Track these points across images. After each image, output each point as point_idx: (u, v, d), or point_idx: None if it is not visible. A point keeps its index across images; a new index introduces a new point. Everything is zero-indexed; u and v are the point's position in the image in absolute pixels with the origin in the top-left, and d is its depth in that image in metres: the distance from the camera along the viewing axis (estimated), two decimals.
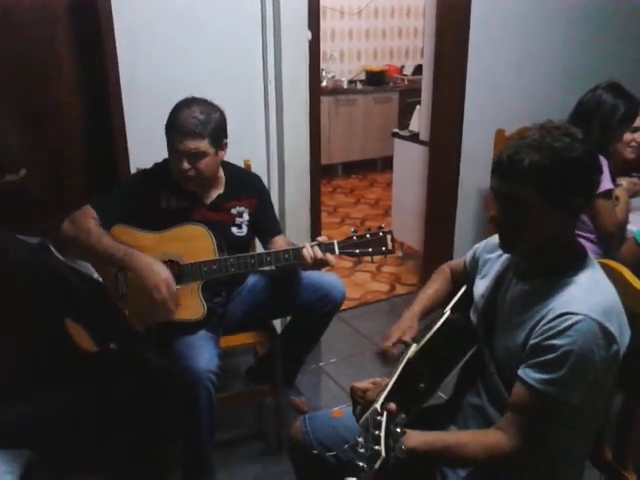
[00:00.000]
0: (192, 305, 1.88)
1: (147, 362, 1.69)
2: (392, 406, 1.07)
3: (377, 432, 1.01)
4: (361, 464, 0.98)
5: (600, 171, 1.22)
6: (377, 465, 0.97)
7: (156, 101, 2.15)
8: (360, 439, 1.03)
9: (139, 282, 1.81)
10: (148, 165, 2.08)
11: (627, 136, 2.37)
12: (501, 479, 1.26)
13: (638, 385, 1.32)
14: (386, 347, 1.46)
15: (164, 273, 1.81)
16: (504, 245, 1.28)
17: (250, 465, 2.19)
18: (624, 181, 2.48)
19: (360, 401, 1.31)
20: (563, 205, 1.17)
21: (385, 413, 1.04)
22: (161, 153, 1.97)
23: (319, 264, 1.84)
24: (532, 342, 1.16)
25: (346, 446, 1.20)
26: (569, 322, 1.11)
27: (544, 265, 1.24)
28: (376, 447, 0.99)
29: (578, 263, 1.22)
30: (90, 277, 1.39)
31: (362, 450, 1.00)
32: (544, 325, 1.15)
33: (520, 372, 1.17)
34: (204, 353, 1.81)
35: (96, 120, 2.36)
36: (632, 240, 1.92)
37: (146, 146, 2.20)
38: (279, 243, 2.07)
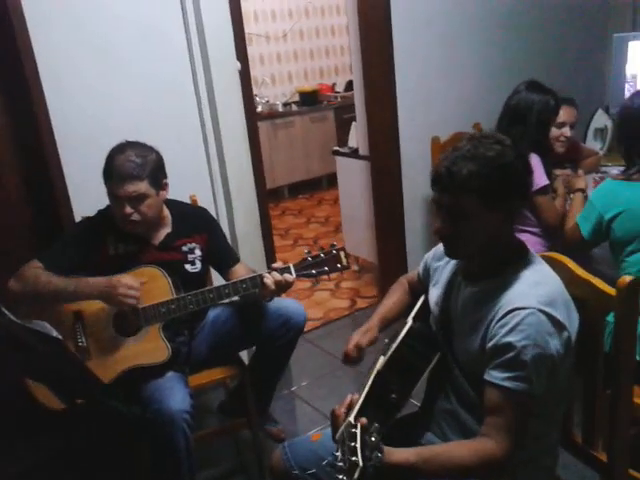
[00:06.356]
0: (156, 347, 1.86)
1: (116, 412, 1.66)
2: (363, 420, 1.09)
3: (353, 444, 1.03)
4: (341, 477, 1.00)
5: (531, 172, 1.29)
6: (356, 476, 0.98)
7: (92, 147, 2.13)
8: (338, 453, 1.05)
9: (106, 303, 1.83)
10: (95, 212, 2.05)
11: (555, 132, 2.49)
12: None
13: (594, 367, 1.38)
14: (345, 350, 1.50)
15: (117, 278, 1.81)
16: (450, 253, 1.34)
17: None
18: (558, 172, 2.60)
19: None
20: (502, 207, 1.24)
21: (359, 425, 1.06)
22: (105, 199, 1.94)
23: (281, 288, 1.85)
24: (489, 345, 1.21)
25: (325, 462, 1.21)
26: (519, 317, 1.17)
27: (488, 266, 1.30)
28: (353, 458, 1.00)
29: (521, 260, 1.28)
30: (48, 336, 1.36)
31: (340, 464, 1.02)
32: (496, 324, 1.20)
33: (486, 376, 1.21)
34: (175, 394, 1.79)
35: (33, 170, 2.32)
36: (574, 224, 2.04)
37: (88, 193, 2.17)
38: (239, 272, 2.06)
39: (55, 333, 1.37)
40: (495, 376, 1.19)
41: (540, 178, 2.22)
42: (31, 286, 1.84)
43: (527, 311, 1.16)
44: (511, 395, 1.17)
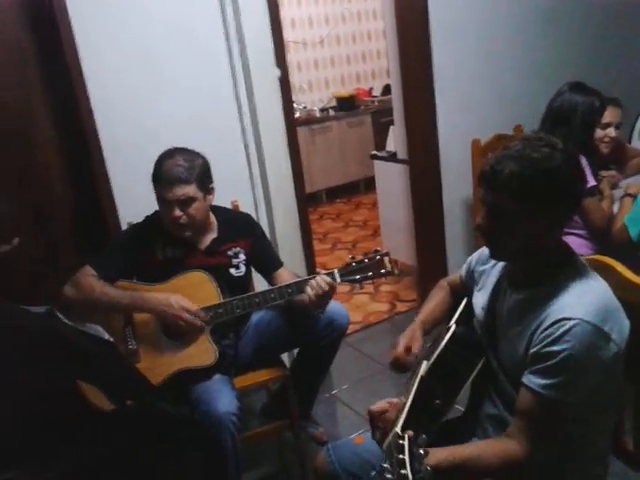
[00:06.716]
0: (204, 350, 1.90)
1: (165, 414, 1.70)
2: (410, 433, 1.09)
3: (401, 456, 1.02)
4: None
5: (582, 179, 1.27)
6: None
7: (138, 154, 2.19)
8: (386, 465, 1.05)
9: (159, 318, 1.88)
10: (139, 218, 2.11)
11: (599, 132, 2.45)
12: None
13: None
14: (396, 355, 1.48)
15: (174, 299, 1.86)
16: (491, 252, 1.33)
17: None
18: (604, 173, 2.56)
19: (379, 424, 1.31)
20: (545, 213, 1.21)
21: (406, 436, 1.06)
22: (151, 205, 2.00)
23: (326, 294, 1.87)
24: (532, 350, 1.20)
25: (373, 473, 1.22)
26: (565, 328, 1.15)
27: (533, 272, 1.28)
28: (402, 471, 1.00)
29: (567, 267, 1.25)
30: (100, 339, 1.41)
31: (389, 476, 1.01)
32: (541, 333, 1.19)
33: (524, 379, 1.20)
34: (223, 397, 1.83)
35: (80, 178, 2.39)
36: (622, 225, 2.02)
37: (134, 200, 2.24)
38: (283, 276, 2.09)
39: (107, 336, 1.42)
40: (532, 380, 1.18)
41: (587, 179, 2.19)
42: (86, 295, 1.90)
43: (574, 322, 1.14)
44: (544, 402, 1.16)
